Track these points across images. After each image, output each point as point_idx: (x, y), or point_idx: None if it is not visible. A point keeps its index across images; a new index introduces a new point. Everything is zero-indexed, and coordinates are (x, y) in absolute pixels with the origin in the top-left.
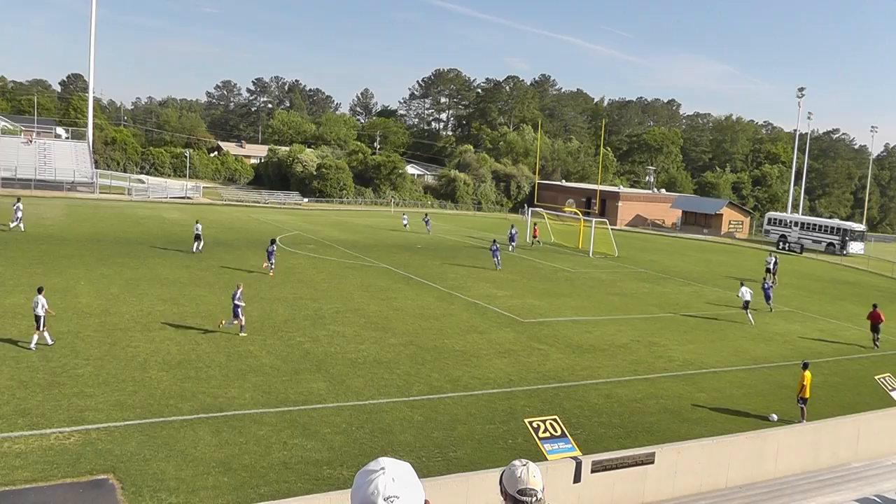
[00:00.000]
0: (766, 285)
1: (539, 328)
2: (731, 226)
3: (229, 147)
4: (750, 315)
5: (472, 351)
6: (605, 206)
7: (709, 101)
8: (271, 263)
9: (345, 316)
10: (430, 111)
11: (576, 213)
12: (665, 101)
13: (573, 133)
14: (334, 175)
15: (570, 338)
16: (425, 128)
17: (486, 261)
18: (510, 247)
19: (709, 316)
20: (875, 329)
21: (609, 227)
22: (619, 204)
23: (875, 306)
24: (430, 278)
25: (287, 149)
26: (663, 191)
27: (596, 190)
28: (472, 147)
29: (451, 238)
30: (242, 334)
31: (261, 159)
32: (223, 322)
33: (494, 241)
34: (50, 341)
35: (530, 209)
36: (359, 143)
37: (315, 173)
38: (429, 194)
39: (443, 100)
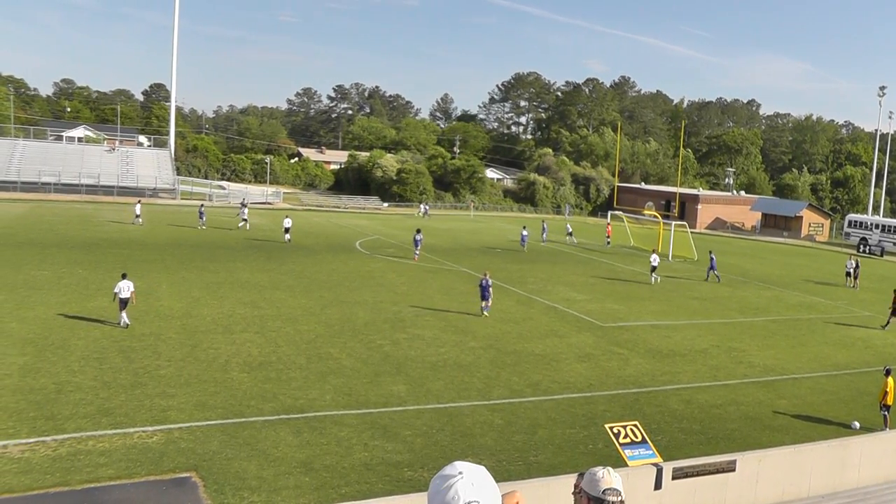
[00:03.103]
0: (712, 259)
1: (618, 332)
2: (810, 228)
3: (309, 153)
4: (656, 277)
5: (551, 355)
6: (684, 209)
7: (789, 100)
8: (418, 248)
9: (424, 319)
10: (509, 115)
11: (655, 216)
12: (745, 101)
13: (652, 135)
14: (414, 179)
15: (649, 342)
16: (505, 132)
17: (565, 264)
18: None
19: (789, 320)
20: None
21: (688, 229)
22: (699, 206)
23: None
24: (509, 282)
25: (367, 154)
26: (743, 193)
27: (675, 192)
28: (551, 150)
29: (530, 241)
30: (486, 314)
31: (341, 165)
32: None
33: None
34: (127, 321)
35: (609, 212)
36: (438, 147)
37: (395, 178)
38: (508, 198)
39: (522, 103)
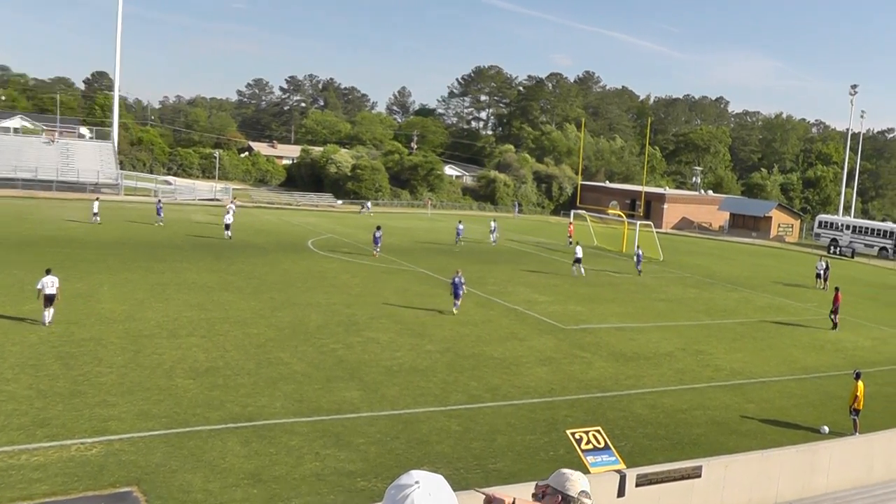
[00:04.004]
0: (638, 254)
1: (581, 335)
2: (780, 229)
3: (260, 147)
4: (580, 268)
5: (511, 359)
6: (650, 208)
7: (758, 98)
8: (377, 246)
9: (380, 322)
10: (469, 110)
11: (619, 216)
12: (713, 98)
13: (618, 132)
14: (369, 176)
15: (613, 345)
16: (464, 127)
17: (526, 264)
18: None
19: (757, 323)
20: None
21: (654, 229)
22: (665, 206)
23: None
24: (468, 283)
25: (321, 149)
26: (710, 192)
27: (641, 191)
28: (513, 147)
29: (491, 241)
30: (455, 311)
31: (293, 160)
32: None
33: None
34: (50, 320)
35: (572, 211)
36: (395, 142)
37: (350, 174)
38: (468, 196)
39: (483, 98)
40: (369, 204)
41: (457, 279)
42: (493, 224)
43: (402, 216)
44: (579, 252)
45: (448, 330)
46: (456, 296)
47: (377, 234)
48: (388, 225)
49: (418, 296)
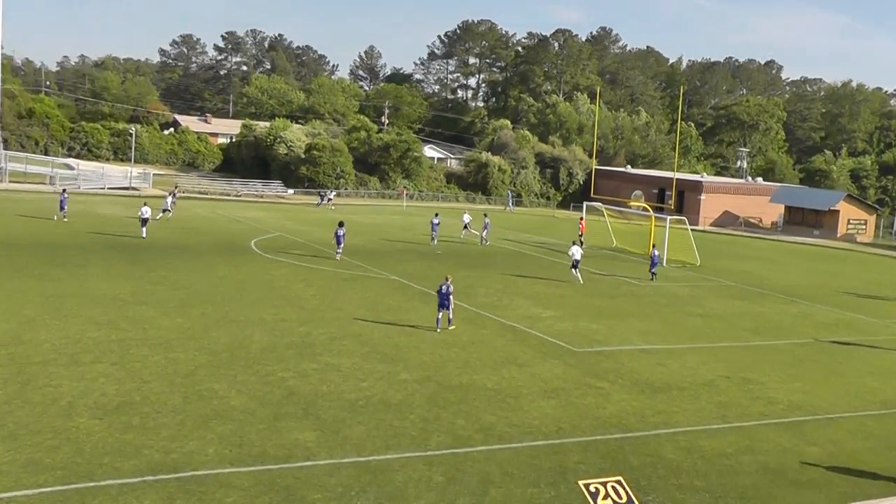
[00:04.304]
0: (654, 254)
1: (597, 360)
2: (850, 226)
3: (190, 122)
4: (574, 274)
5: (508, 390)
6: (683, 200)
7: (820, 62)
8: (340, 247)
9: (342, 343)
10: (454, 76)
11: (645, 209)
12: (762, 62)
13: (642, 104)
14: (329, 159)
15: (637, 372)
16: (448, 97)
17: (527, 270)
18: (462, 234)
19: (821, 344)
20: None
21: (689, 227)
22: (702, 197)
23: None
24: (454, 294)
25: (267, 125)
26: (760, 180)
27: (672, 179)
28: (509, 122)
29: (481, 239)
30: (451, 327)
31: (232, 138)
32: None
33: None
34: None
35: (585, 204)
36: (361, 116)
37: (304, 156)
38: (453, 184)
39: (472, 60)
40: (331, 194)
41: (444, 287)
42: (484, 220)
43: (370, 209)
44: (576, 253)
45: (428, 353)
46: (442, 306)
47: (339, 233)
48: (352, 221)
49: (390, 310)
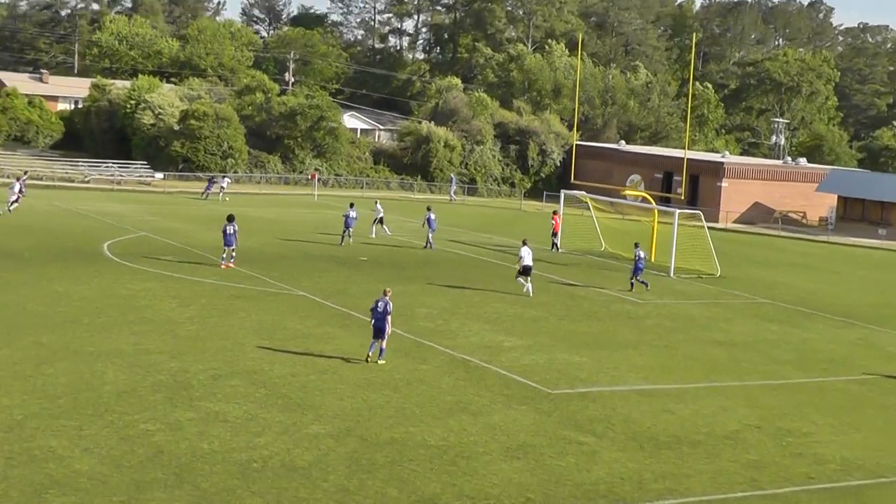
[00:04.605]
0: (639, 256)
1: (579, 405)
2: None
3: (18, 81)
4: (527, 283)
5: (458, 447)
6: (697, 188)
7: (886, 5)
8: (231, 251)
9: (229, 384)
10: (385, 17)
11: (645, 201)
12: (804, 3)
13: (640, 58)
14: (212, 131)
15: (635, 422)
16: (377, 46)
17: (483, 283)
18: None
19: (888, 381)
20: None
21: (705, 224)
22: (724, 183)
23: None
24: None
25: (127, 84)
26: (803, 161)
27: (682, 159)
28: (459, 82)
29: (420, 243)
30: (381, 362)
31: (78, 103)
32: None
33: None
34: None
35: (563, 192)
36: (257, 73)
37: (178, 128)
38: (383, 165)
39: None
40: (224, 181)
41: (381, 304)
42: (429, 215)
43: (268, 200)
44: (527, 256)
45: (349, 398)
46: (378, 332)
47: (229, 231)
48: (245, 216)
49: (297, 338)
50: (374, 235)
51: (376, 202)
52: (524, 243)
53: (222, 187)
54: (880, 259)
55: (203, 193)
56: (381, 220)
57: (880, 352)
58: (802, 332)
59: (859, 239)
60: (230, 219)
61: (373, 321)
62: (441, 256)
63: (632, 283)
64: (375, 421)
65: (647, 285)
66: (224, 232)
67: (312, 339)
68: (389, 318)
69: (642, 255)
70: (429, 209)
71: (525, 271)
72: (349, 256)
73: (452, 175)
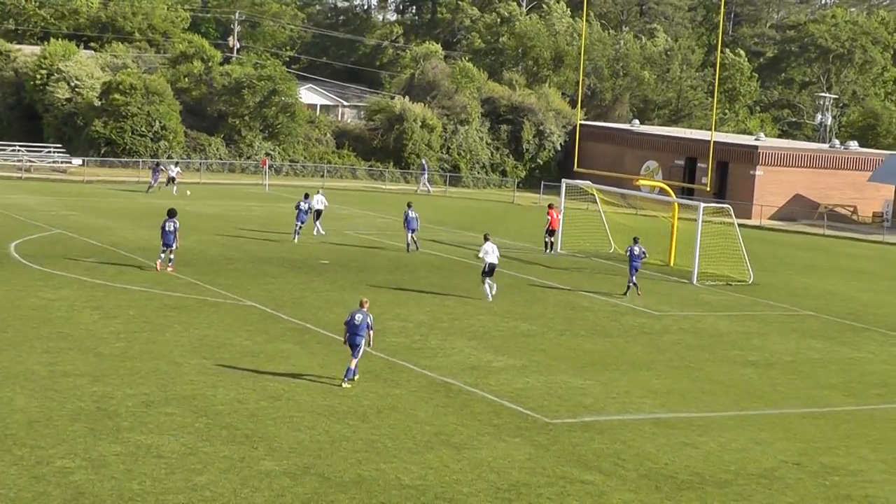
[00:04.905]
0: (634, 252)
1: (583, 437)
2: None
3: None
4: (487, 287)
5: (438, 488)
6: (726, 178)
7: None
8: (170, 252)
9: (164, 412)
10: None
11: (663, 192)
12: None
13: (658, 20)
14: (141, 108)
15: (650, 457)
16: (339, 5)
17: (467, 290)
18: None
19: None
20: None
21: (735, 220)
22: (758, 172)
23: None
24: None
25: (36, 50)
26: (854, 145)
27: (708, 142)
28: (440, 48)
29: (393, 242)
30: (346, 384)
31: None
32: None
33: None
34: None
35: (564, 182)
36: (195, 37)
37: (99, 103)
38: (347, 149)
39: None
40: (174, 168)
41: (358, 317)
42: (408, 212)
43: (210, 191)
44: (491, 254)
45: (307, 428)
46: (353, 349)
47: (169, 229)
48: (180, 210)
49: (245, 356)
50: (321, 233)
51: (319, 191)
52: (486, 238)
53: (172, 178)
54: None
55: (149, 188)
56: (318, 215)
57: None
58: (852, 351)
59: None
60: (171, 214)
61: (348, 336)
62: (418, 259)
63: (628, 286)
64: (339, 456)
65: (632, 288)
66: (163, 229)
67: (263, 359)
68: (371, 332)
69: (637, 251)
70: (409, 206)
71: (490, 271)
72: (307, 259)
73: (424, 161)
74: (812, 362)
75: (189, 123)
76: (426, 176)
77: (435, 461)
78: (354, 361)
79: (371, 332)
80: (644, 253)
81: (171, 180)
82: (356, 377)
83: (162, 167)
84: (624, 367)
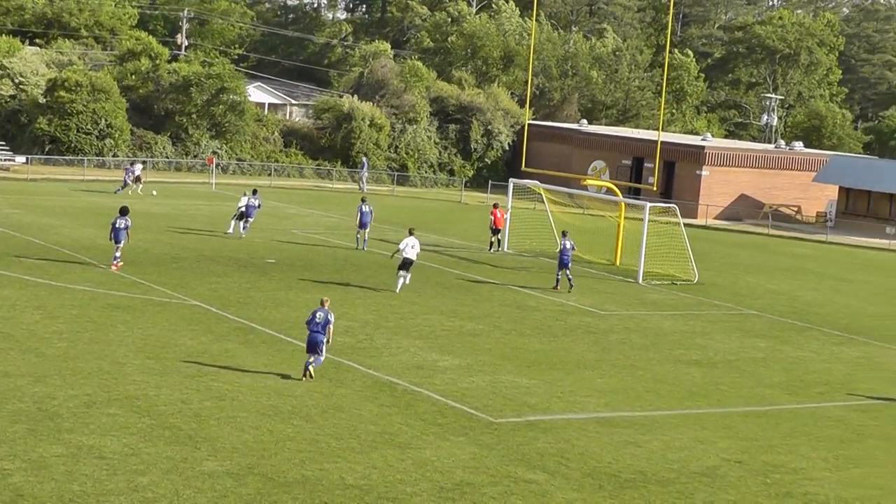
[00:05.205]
0: (565, 246)
1: (528, 437)
2: None
3: None
4: (401, 280)
5: (382, 487)
6: (673, 177)
7: None
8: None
9: (106, 413)
10: None
11: (610, 192)
12: None
13: (607, 20)
14: (87, 105)
15: (594, 457)
16: (288, 3)
17: (413, 289)
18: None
19: (895, 408)
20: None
21: (681, 220)
22: (704, 172)
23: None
24: (293, 328)
25: None
26: (799, 145)
27: (655, 142)
28: (389, 47)
29: (340, 241)
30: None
31: None
32: None
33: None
34: None
35: (511, 182)
36: (143, 35)
37: (44, 101)
38: (295, 148)
39: None
40: (136, 168)
41: (319, 315)
42: (364, 207)
43: (155, 189)
44: (409, 249)
45: (251, 429)
46: (314, 348)
47: (120, 226)
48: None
49: (189, 356)
50: (236, 231)
51: (255, 191)
52: (411, 232)
53: (138, 177)
54: (887, 262)
55: (124, 184)
56: (241, 215)
57: (885, 373)
58: (794, 350)
59: (863, 238)
60: (123, 212)
61: (309, 335)
62: (365, 259)
63: (557, 279)
64: (283, 456)
65: (564, 280)
66: (114, 227)
67: (207, 359)
68: (331, 328)
69: (568, 245)
70: (363, 201)
71: (405, 265)
72: (253, 258)
73: (364, 159)
74: (755, 361)
75: (136, 121)
76: (365, 174)
77: (379, 461)
78: (314, 358)
79: (331, 328)
80: (573, 246)
81: (137, 179)
82: (312, 370)
83: (130, 169)
84: (569, 367)
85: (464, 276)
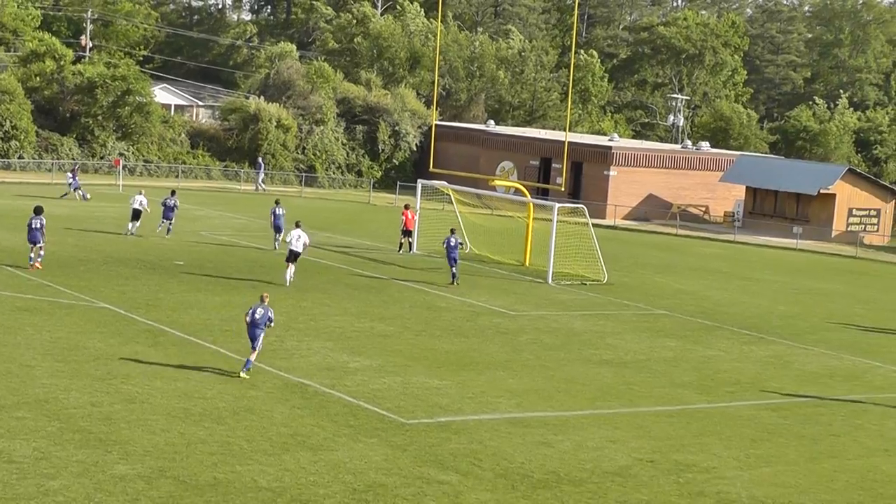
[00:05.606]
0: (451, 244)
1: (440, 437)
2: (852, 219)
3: None
4: (288, 273)
5: (294, 489)
6: (580, 178)
7: None
8: (38, 248)
9: (14, 416)
10: None
11: (518, 192)
12: None
13: (513, 21)
14: None
15: (506, 457)
16: (193, 4)
17: (324, 290)
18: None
19: (804, 405)
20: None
21: (589, 220)
22: (612, 172)
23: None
24: (203, 330)
25: None
26: (706, 145)
27: (562, 143)
28: (294, 48)
29: (249, 243)
30: (244, 374)
31: None
32: None
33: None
34: None
35: (419, 183)
36: (46, 36)
37: None
38: (202, 149)
39: None
40: (70, 176)
41: (259, 312)
42: (277, 209)
43: (61, 192)
44: (295, 241)
45: (162, 431)
46: (252, 342)
47: (35, 226)
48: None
49: (98, 359)
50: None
51: (173, 192)
52: (297, 225)
53: (73, 182)
54: (795, 262)
55: (74, 188)
56: (135, 214)
57: (795, 372)
58: (704, 349)
59: (771, 238)
60: (37, 211)
61: (249, 332)
62: (274, 260)
63: (453, 275)
64: (195, 459)
65: (455, 279)
66: (29, 226)
67: (117, 362)
68: (272, 325)
69: (453, 241)
70: (277, 203)
71: (292, 257)
72: (161, 260)
73: (260, 159)
74: (665, 361)
75: (41, 123)
76: (261, 175)
77: (291, 463)
78: (254, 354)
79: (271, 325)
80: (459, 243)
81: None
82: (246, 372)
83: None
84: (480, 367)
85: (373, 278)
